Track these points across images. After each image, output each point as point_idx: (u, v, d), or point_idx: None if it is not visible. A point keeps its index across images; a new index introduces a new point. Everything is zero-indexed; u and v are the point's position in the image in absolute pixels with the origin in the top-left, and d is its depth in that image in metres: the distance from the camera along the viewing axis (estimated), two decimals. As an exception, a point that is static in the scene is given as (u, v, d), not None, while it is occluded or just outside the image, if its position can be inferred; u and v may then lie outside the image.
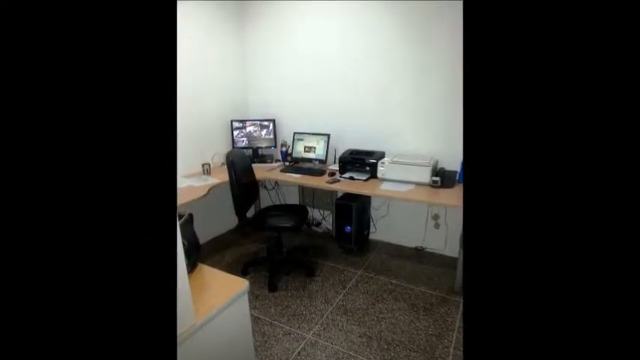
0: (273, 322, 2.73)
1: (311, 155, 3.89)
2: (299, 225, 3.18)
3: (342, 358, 2.37)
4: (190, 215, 1.77)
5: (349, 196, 3.57)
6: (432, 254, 3.67)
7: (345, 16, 3.54)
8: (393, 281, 3.23)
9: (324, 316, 2.78)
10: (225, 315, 1.49)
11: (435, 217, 3.56)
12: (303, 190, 4.28)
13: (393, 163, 3.23)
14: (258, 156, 4.20)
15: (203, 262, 1.75)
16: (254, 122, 4.14)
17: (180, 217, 1.67)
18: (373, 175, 3.36)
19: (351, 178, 3.37)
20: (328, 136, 3.80)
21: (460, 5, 2.94)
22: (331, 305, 2.92)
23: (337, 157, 3.71)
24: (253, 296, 3.04)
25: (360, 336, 2.56)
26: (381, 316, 2.77)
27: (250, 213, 3.41)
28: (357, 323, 2.70)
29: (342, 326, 2.67)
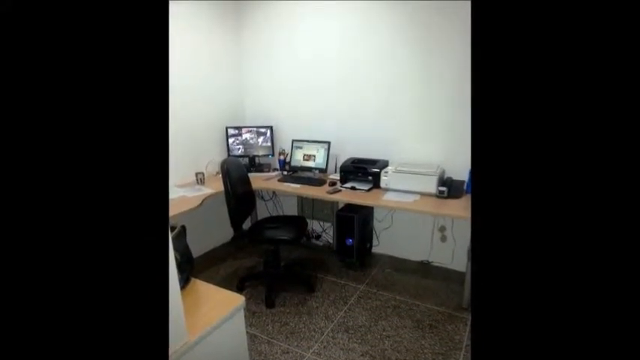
0: (271, 340, 2.71)
1: (310, 164, 3.89)
2: (298, 237, 3.17)
3: (344, 378, 2.36)
4: (183, 227, 1.77)
5: (351, 207, 3.57)
6: (439, 268, 3.66)
7: (346, 17, 3.56)
8: (397, 297, 3.21)
9: (325, 334, 2.77)
10: (220, 332, 1.48)
11: (442, 229, 3.55)
12: (302, 200, 4.27)
13: (396, 172, 3.23)
14: (254, 165, 4.20)
15: (197, 276, 1.75)
16: (250, 129, 4.15)
17: (173, 229, 1.66)
18: (376, 184, 3.35)
19: (353, 188, 3.37)
20: (328, 143, 3.81)
21: (465, 5, 2.96)
22: (332, 322, 2.90)
23: (338, 165, 3.72)
24: (250, 313, 3.02)
25: (362, 355, 2.54)
26: (384, 333, 2.76)
27: (246, 225, 3.40)
28: (360, 341, 2.68)
29: (344, 345, 2.65)
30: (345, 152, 3.85)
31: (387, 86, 3.49)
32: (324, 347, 2.62)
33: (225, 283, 3.39)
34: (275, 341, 2.69)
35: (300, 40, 3.88)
